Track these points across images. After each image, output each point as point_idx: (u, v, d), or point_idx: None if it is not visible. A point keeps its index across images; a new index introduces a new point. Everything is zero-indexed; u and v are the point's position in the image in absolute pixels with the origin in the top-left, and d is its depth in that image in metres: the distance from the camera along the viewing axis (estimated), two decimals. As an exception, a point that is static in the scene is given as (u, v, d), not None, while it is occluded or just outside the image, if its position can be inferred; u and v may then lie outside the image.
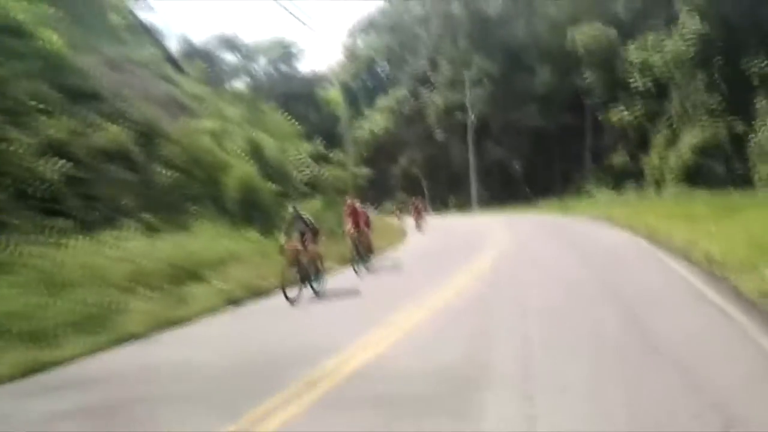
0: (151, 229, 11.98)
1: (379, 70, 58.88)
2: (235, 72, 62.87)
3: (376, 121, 52.42)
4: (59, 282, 8.23)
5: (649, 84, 36.91)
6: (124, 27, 24.04)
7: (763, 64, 30.39)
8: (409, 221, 26.93)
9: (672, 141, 35.57)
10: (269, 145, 20.62)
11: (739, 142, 31.88)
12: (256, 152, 18.93)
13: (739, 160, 31.85)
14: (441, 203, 46.80)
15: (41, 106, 12.77)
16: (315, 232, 10.26)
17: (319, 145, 22.96)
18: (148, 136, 15.27)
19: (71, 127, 12.81)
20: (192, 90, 23.09)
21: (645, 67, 37.10)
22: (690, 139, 33.59)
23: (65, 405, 4.74)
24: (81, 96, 14.68)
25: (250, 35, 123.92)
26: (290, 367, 5.27)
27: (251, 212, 15.24)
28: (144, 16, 31.46)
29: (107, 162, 12.97)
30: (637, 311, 6.81)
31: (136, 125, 15.07)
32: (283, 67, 65.56)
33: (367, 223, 13.76)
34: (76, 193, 11.39)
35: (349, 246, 13.08)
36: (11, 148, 10.89)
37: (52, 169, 11.17)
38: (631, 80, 37.87)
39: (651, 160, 36.87)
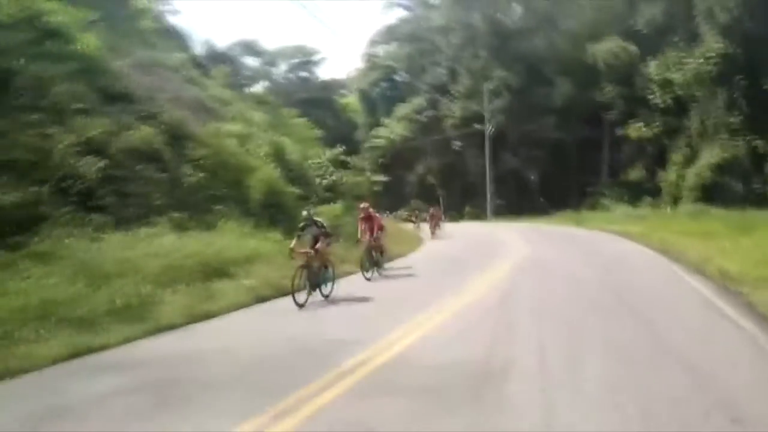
0: (180, 227, 12.44)
1: (398, 78, 59.36)
2: (256, 77, 63.81)
3: (393, 128, 52.87)
4: (98, 273, 8.69)
5: (669, 100, 36.97)
6: (154, 31, 24.76)
7: (784, 84, 30.37)
8: (425, 228, 27.23)
9: (690, 158, 35.57)
10: (291, 150, 21.11)
11: (758, 161, 31.82)
12: (278, 156, 19.42)
13: (758, 179, 31.78)
14: (456, 212, 47.04)
15: (79, 106, 13.41)
16: (328, 237, 10.16)
17: (339, 151, 23.32)
18: (177, 137, 15.82)
19: (106, 127, 13.37)
20: (217, 93, 23.70)
21: (665, 84, 37.19)
22: (709, 156, 33.57)
23: (117, 383, 5.14)
24: (115, 97, 15.32)
25: (271, 40, 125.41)
26: (323, 357, 5.65)
27: (274, 214, 15.65)
28: (171, 20, 32.38)
29: (139, 161, 13.50)
30: (653, 322, 7.06)
31: (166, 127, 15.63)
32: (303, 73, 66.43)
33: (381, 229, 13.63)
34: (111, 190, 11.92)
35: (362, 251, 13.04)
36: (53, 146, 11.47)
37: (90, 166, 11.72)
38: (650, 96, 37.96)
39: (668, 176, 36.85)
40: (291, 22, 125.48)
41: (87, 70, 14.97)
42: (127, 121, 14.48)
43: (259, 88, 59.95)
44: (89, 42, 15.50)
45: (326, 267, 9.98)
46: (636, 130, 38.74)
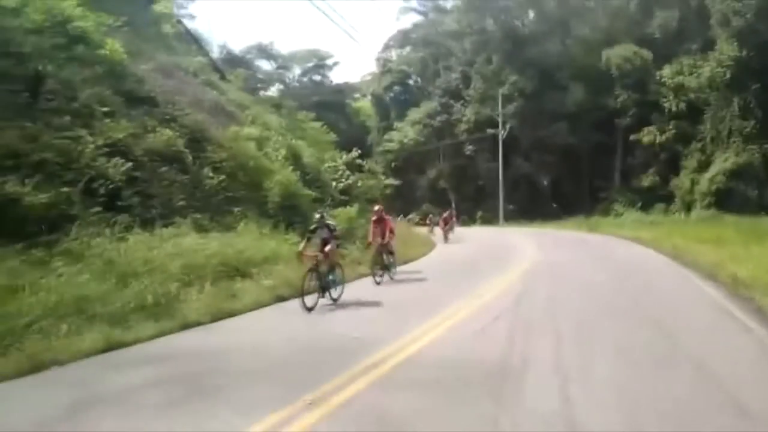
0: (200, 228, 12.77)
1: (411, 82, 59.73)
2: (270, 80, 64.51)
3: (406, 132, 53.18)
4: (124, 272, 9.02)
5: (683, 106, 36.98)
6: (174, 35, 25.24)
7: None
8: (438, 232, 27.45)
9: (704, 164, 35.54)
10: (307, 153, 21.43)
11: (772, 168, 31.76)
12: (295, 159, 19.73)
13: (772, 186, 31.69)
14: (467, 216, 47.19)
15: (104, 109, 13.79)
16: (337, 240, 10.05)
17: (355, 155, 23.64)
18: (197, 140, 16.19)
19: (131, 129, 13.74)
20: (235, 97, 24.12)
21: (679, 89, 37.21)
22: (723, 162, 33.53)
23: (154, 374, 5.45)
24: (138, 101, 15.72)
25: (283, 44, 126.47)
26: (346, 354, 5.91)
27: (292, 217, 15.93)
28: (189, 24, 32.96)
29: (162, 164, 13.85)
30: (666, 324, 7.26)
31: (187, 130, 16.01)
32: (316, 77, 67.05)
33: (392, 232, 13.40)
34: (136, 191, 12.26)
35: (372, 254, 12.91)
36: (80, 148, 11.85)
37: (115, 168, 12.08)
38: (664, 101, 37.97)
39: (681, 182, 36.82)
40: (303, 26, 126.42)
41: (112, 74, 15.42)
42: (150, 124, 14.88)
43: (273, 91, 60.69)
44: (114, 47, 15.90)
45: (334, 270, 9.87)
46: (648, 135, 38.75)
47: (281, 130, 22.62)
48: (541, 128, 44.07)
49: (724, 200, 32.17)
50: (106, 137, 12.74)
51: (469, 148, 49.34)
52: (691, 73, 36.79)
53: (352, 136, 50.68)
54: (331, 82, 67.40)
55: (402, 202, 48.01)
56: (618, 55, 40.01)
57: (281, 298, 9.89)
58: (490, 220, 46.01)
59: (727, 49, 33.37)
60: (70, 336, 6.60)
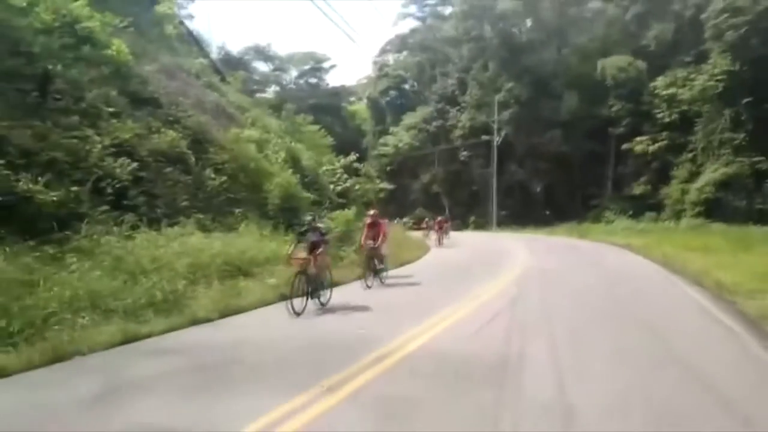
0: (203, 229, 13.08)
1: (407, 87, 60.20)
2: (266, 81, 64.77)
3: (401, 137, 53.61)
4: (135, 269, 9.32)
5: (675, 117, 37.69)
6: (176, 37, 25.51)
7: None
8: (433, 236, 27.82)
9: (694, 174, 36.22)
10: (306, 156, 21.79)
11: (761, 179, 32.42)
12: (294, 162, 20.08)
13: (760, 196, 32.36)
14: (460, 221, 47.67)
15: (110, 109, 14.09)
16: (326, 244, 9.93)
17: (353, 159, 24.03)
18: (200, 142, 16.51)
19: (136, 130, 14.03)
20: (234, 99, 24.42)
21: (672, 100, 37.93)
22: (712, 173, 34.23)
23: (176, 363, 5.81)
24: (142, 101, 16.02)
25: (282, 45, 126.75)
26: (352, 349, 6.25)
27: (291, 218, 16.24)
28: (188, 25, 33.21)
29: (166, 164, 14.15)
30: (653, 325, 7.68)
31: (189, 131, 16.33)
32: (312, 80, 67.38)
33: (385, 237, 13.11)
34: (141, 191, 12.56)
35: (363, 258, 12.79)
36: (88, 147, 12.13)
37: (122, 168, 12.37)
38: (657, 112, 38.68)
39: (672, 191, 37.49)
40: (301, 27, 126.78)
41: (118, 75, 15.72)
42: (155, 125, 15.17)
43: (269, 93, 60.94)
44: (120, 47, 16.18)
45: (323, 274, 9.71)
46: (641, 144, 39.43)
47: (280, 133, 22.94)
48: (535, 135, 44.65)
49: (713, 210, 32.84)
50: (113, 137, 13.04)
51: (463, 154, 49.85)
52: (684, 85, 37.51)
53: (348, 140, 51.00)
54: (328, 84, 67.84)
55: (396, 206, 48.42)
56: (613, 65, 40.66)
57: (285, 297, 10.09)
58: (482, 225, 46.53)
59: (720, 63, 34.08)
60: (88, 329, 6.90)
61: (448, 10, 59.37)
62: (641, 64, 40.12)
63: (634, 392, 4.83)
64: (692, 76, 37.06)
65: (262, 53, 63.56)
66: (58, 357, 5.95)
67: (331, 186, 21.81)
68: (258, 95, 49.98)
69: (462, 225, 46.53)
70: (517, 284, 12.15)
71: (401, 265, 16.56)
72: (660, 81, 38.88)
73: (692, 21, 37.02)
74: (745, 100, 33.03)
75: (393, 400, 4.68)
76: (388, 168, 52.99)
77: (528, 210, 45.15)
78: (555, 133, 43.75)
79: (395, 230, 26.66)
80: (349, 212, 18.82)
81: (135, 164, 12.81)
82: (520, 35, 48.78)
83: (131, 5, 21.20)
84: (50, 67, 13.21)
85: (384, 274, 12.92)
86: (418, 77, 58.78)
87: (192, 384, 5.09)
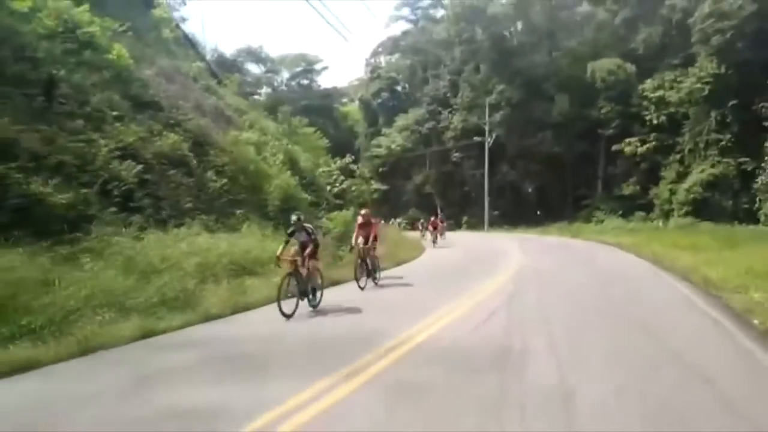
0: (207, 229, 13.38)
1: (399, 89, 60.66)
2: (258, 83, 64.98)
3: (393, 138, 54.03)
4: (145, 269, 9.60)
5: (664, 119, 38.43)
6: (172, 40, 25.74)
7: (774, 106, 31.70)
8: (428, 237, 28.23)
9: (682, 174, 36.97)
10: (303, 158, 22.11)
11: (747, 179, 33.16)
12: (292, 164, 20.41)
13: (746, 196, 33.10)
14: (453, 221, 48.14)
15: (114, 113, 14.36)
16: (316, 245, 9.63)
17: (349, 161, 24.40)
18: (200, 144, 16.81)
19: (140, 133, 14.32)
20: (232, 102, 24.70)
21: (660, 102, 38.67)
22: (700, 173, 34.97)
23: (198, 355, 6.15)
24: (143, 105, 16.30)
25: (274, 47, 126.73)
26: (362, 342, 6.59)
27: (289, 219, 16.55)
28: (185, 28, 33.40)
29: (170, 167, 14.44)
30: (644, 317, 8.11)
31: (190, 134, 16.62)
32: (305, 81, 67.69)
33: (376, 238, 12.84)
34: (147, 193, 12.86)
35: (355, 258, 12.38)
36: (94, 151, 12.40)
37: (127, 170, 12.65)
38: (646, 114, 39.41)
39: (661, 192, 38.22)
40: (292, 28, 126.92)
41: (119, 79, 15.99)
42: (156, 128, 15.45)
43: (261, 95, 61.15)
44: (121, 52, 16.44)
45: (314, 275, 9.42)
46: (630, 145, 40.12)
47: (278, 135, 23.26)
48: (526, 137, 45.22)
49: (701, 209, 33.61)
50: (118, 141, 13.33)
51: (455, 155, 50.35)
52: (672, 88, 38.27)
53: (340, 141, 51.32)
54: (319, 86, 68.22)
55: (389, 206, 48.89)
56: (603, 67, 41.31)
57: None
58: (475, 225, 47.04)
59: (707, 66, 34.81)
60: (107, 325, 7.20)
61: (440, 13, 60.08)
62: (630, 67, 40.81)
63: (629, 378, 5.21)
64: (680, 79, 37.83)
65: (254, 55, 63.81)
66: (83, 351, 6.26)
67: (328, 187, 22.14)
68: (251, 97, 50.22)
69: (455, 225, 46.99)
70: (514, 282, 12.53)
71: (398, 264, 16.92)
72: (648, 83, 39.63)
73: (680, 25, 37.73)
74: (731, 103, 33.80)
75: (407, 383, 5.04)
76: (381, 169, 53.42)
77: (520, 210, 45.72)
78: (546, 135, 44.37)
79: (391, 231, 27.10)
80: (348, 213, 19.20)
81: (140, 167, 13.10)
82: (511, 38, 49.36)
83: (128, 9, 21.45)
84: (54, 71, 13.47)
85: (377, 274, 12.67)
86: (410, 79, 59.26)
87: (217, 372, 5.44)
